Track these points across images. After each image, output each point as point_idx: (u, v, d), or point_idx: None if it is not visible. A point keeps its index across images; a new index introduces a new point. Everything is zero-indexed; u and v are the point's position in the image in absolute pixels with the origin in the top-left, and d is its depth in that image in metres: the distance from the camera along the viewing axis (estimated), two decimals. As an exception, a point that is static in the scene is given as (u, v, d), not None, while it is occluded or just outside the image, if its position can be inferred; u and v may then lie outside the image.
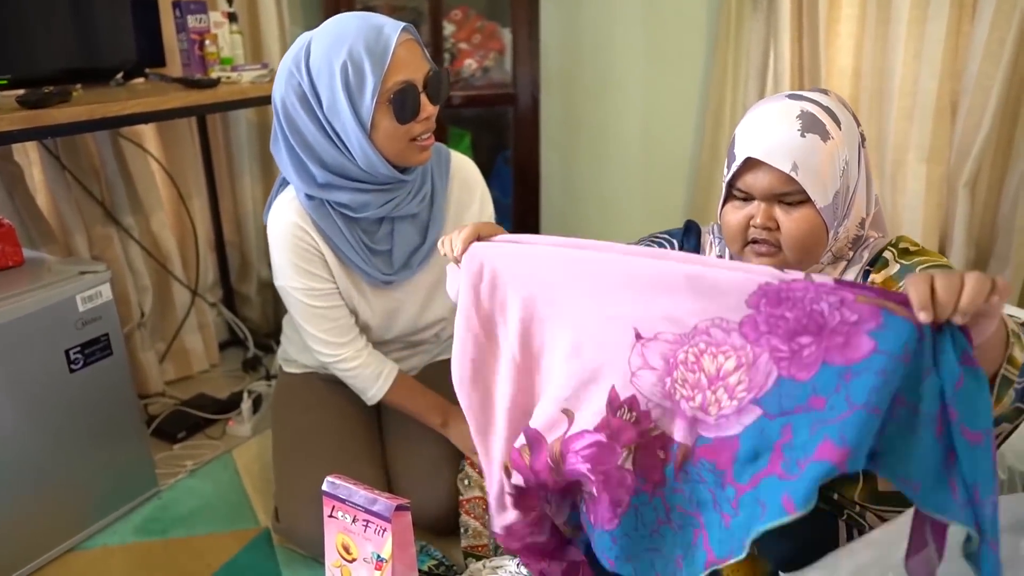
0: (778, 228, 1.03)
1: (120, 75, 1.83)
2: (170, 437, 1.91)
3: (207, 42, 1.90)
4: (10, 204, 1.78)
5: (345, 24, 1.23)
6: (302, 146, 1.28)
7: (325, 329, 1.41)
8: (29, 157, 1.87)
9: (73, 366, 1.50)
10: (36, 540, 1.49)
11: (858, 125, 1.07)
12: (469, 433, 1.42)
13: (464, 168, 1.50)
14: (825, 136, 0.99)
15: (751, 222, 1.04)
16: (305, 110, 1.26)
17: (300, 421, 1.54)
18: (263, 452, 1.86)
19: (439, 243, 1.09)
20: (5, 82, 1.59)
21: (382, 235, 1.41)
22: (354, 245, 1.37)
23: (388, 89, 1.22)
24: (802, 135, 0.98)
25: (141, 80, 1.89)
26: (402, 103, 1.23)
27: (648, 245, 1.26)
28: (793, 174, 0.98)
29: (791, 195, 1.01)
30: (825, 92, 1.06)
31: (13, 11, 1.62)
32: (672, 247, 1.25)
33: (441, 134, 2.45)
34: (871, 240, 1.12)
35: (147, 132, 2.07)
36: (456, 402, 1.50)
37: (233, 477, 1.78)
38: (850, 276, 1.07)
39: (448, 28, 2.43)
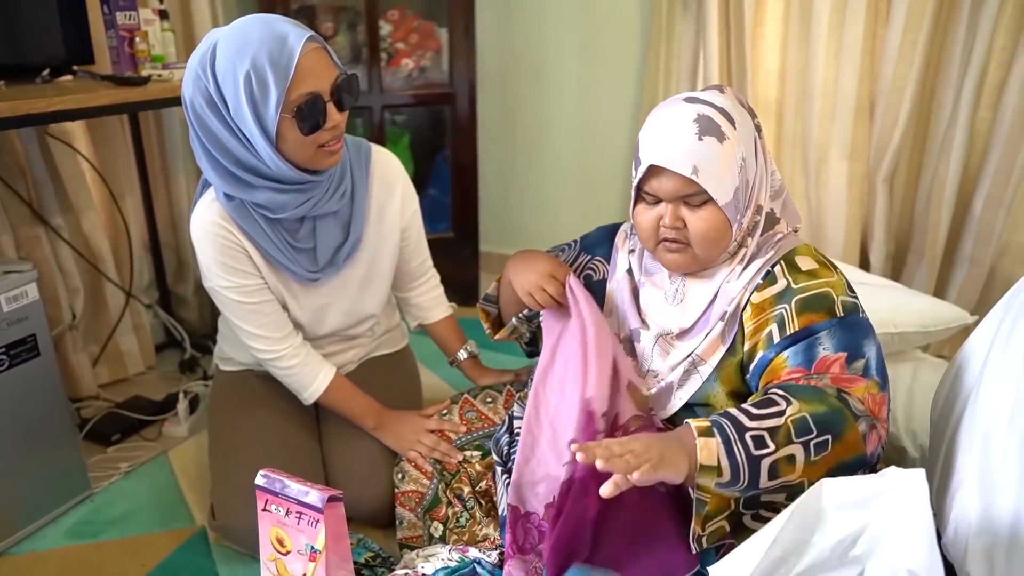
0: (686, 226, 1.09)
1: (46, 72, 1.80)
2: (104, 440, 1.88)
3: (137, 39, 1.88)
4: (-70, 204, 1.74)
5: (249, 31, 1.20)
6: (214, 146, 1.27)
7: (260, 324, 1.42)
8: (-50, 156, 1.83)
9: (-1, 367, 1.47)
10: (-39, 546, 1.47)
11: (754, 118, 1.13)
12: (400, 434, 1.48)
13: (384, 163, 1.50)
14: (721, 137, 1.05)
15: (660, 222, 1.11)
16: (213, 112, 1.24)
17: (236, 418, 1.54)
18: (200, 452, 1.85)
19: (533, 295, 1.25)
20: (-77, 78, 1.55)
21: (304, 233, 1.40)
22: (277, 244, 1.36)
23: (292, 101, 1.21)
24: (699, 138, 1.04)
25: (69, 78, 1.86)
26: (306, 115, 1.22)
27: (555, 254, 1.40)
28: (694, 177, 1.04)
29: (695, 196, 1.07)
30: (721, 90, 1.12)
31: (-69, 6, 1.58)
32: (570, 248, 1.40)
33: (379, 134, 2.47)
34: (778, 235, 1.17)
35: (77, 131, 2.03)
36: (388, 404, 1.54)
37: (169, 478, 1.77)
38: (752, 271, 1.13)
39: (385, 28, 2.44)
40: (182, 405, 1.95)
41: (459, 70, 2.45)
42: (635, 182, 1.12)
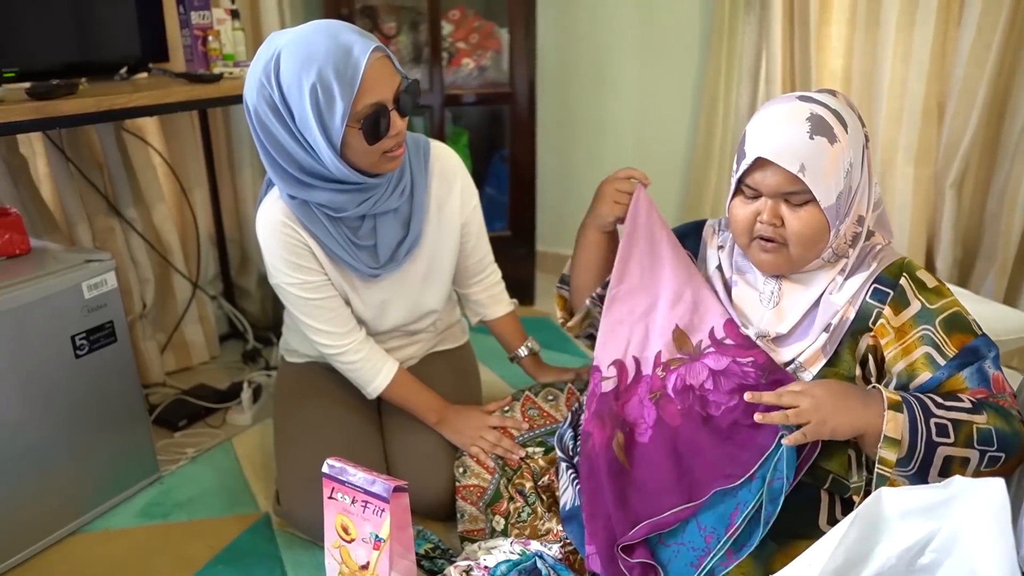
0: (783, 225, 1.08)
1: (124, 69, 1.86)
2: (171, 425, 1.94)
3: (210, 38, 1.94)
4: (15, 194, 1.81)
5: (315, 42, 1.21)
6: (277, 151, 1.30)
7: (324, 320, 1.45)
8: (34, 149, 1.90)
9: (79, 352, 1.53)
10: (40, 522, 1.53)
11: (863, 126, 1.11)
12: (461, 430, 1.49)
13: (443, 159, 1.51)
14: (832, 139, 1.03)
15: (758, 218, 1.09)
16: (278, 120, 1.26)
17: (302, 408, 1.57)
18: (263, 441, 1.90)
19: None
20: (12, 75, 1.62)
21: (365, 231, 1.43)
22: (340, 241, 1.39)
23: (358, 112, 1.23)
24: (810, 137, 1.03)
25: (144, 75, 1.93)
26: (371, 125, 1.25)
27: None
28: (800, 175, 1.03)
29: (797, 194, 1.06)
30: (833, 94, 1.10)
31: (20, 5, 1.65)
32: None
33: (439, 133, 2.49)
34: (877, 246, 1.16)
35: (150, 126, 2.10)
36: (449, 399, 1.56)
37: (233, 464, 1.82)
38: (856, 284, 1.12)
39: (446, 28, 2.47)
40: (246, 394, 2.00)
41: (519, 70, 2.46)
42: (737, 174, 1.11)
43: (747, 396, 1.04)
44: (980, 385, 1.06)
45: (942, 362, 1.07)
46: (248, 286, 2.45)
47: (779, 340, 1.17)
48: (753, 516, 1.04)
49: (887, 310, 1.10)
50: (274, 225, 1.38)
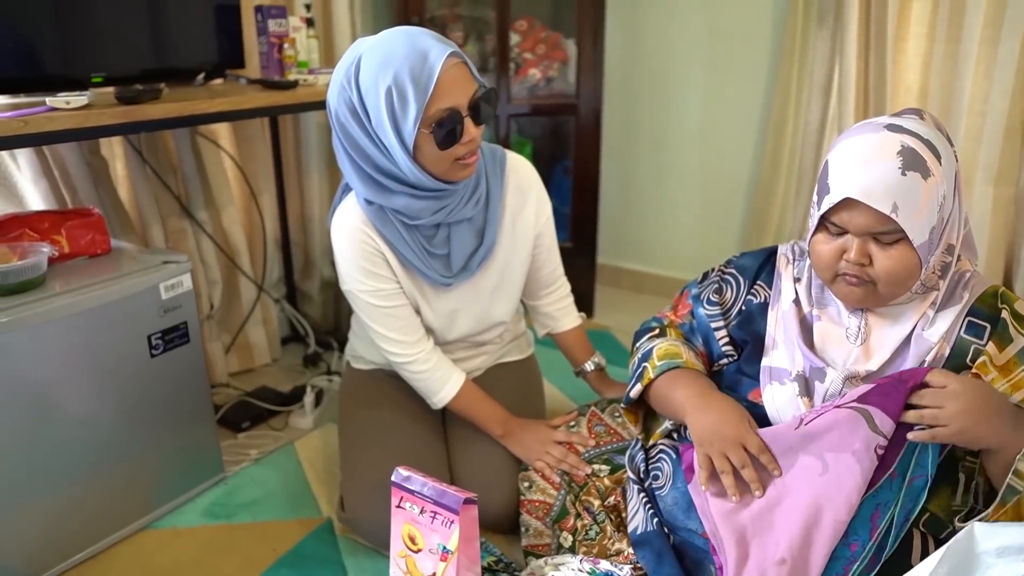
0: (871, 264, 1.02)
1: (201, 75, 1.90)
2: (234, 426, 1.97)
3: (286, 46, 1.97)
4: (95, 195, 1.86)
5: (393, 46, 1.24)
6: (356, 153, 1.33)
7: (394, 328, 1.45)
8: (114, 151, 1.95)
9: (154, 351, 1.56)
10: (110, 518, 1.55)
11: (952, 147, 1.06)
12: (527, 444, 1.48)
13: (519, 170, 1.52)
14: (926, 174, 0.98)
15: (844, 256, 1.03)
16: (356, 122, 1.29)
17: (368, 415, 1.58)
18: (325, 445, 1.91)
19: None
20: (100, 80, 1.67)
21: (440, 240, 1.43)
22: (414, 249, 1.40)
23: (431, 117, 1.24)
24: (903, 173, 0.97)
25: (220, 81, 1.96)
26: (443, 130, 1.25)
27: (717, 285, 1.30)
28: (893, 215, 0.97)
29: (888, 234, 1.00)
30: (920, 116, 1.05)
31: (104, 13, 1.69)
32: (739, 284, 1.28)
33: (504, 143, 2.49)
34: (967, 274, 1.11)
35: (222, 131, 2.14)
36: (512, 410, 1.55)
37: (296, 467, 1.83)
38: (949, 318, 1.07)
39: (513, 38, 2.47)
40: (308, 398, 2.02)
41: (585, 81, 2.45)
42: (821, 211, 1.04)
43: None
44: None
45: None
46: (310, 290, 2.48)
47: (869, 379, 1.10)
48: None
49: (990, 347, 1.05)
50: (351, 231, 1.39)
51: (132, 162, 1.95)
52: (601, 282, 2.84)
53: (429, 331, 1.53)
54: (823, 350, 1.13)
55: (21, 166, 1.76)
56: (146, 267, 1.55)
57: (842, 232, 1.03)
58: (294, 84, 1.85)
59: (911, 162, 0.97)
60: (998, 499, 0.97)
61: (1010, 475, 0.96)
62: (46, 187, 1.78)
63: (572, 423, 1.51)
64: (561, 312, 1.68)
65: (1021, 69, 2.03)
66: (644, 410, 1.37)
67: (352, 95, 1.27)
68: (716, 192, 2.73)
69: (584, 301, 2.69)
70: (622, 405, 1.35)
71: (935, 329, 1.07)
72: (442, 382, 1.50)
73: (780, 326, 1.18)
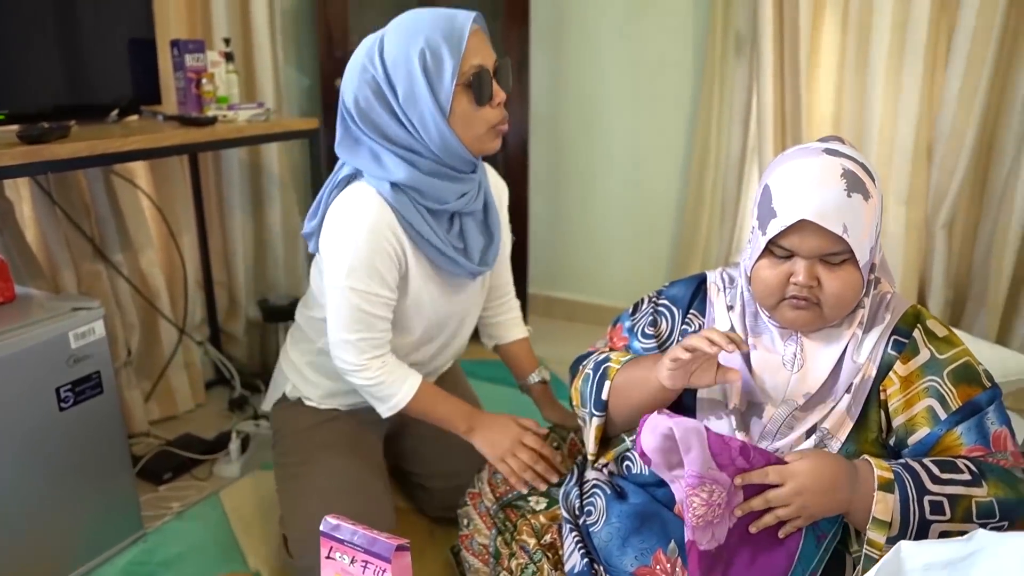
0: (819, 286, 1.02)
1: (115, 112, 1.83)
2: (155, 478, 1.87)
3: (204, 81, 1.91)
4: (-1, 239, 1.76)
5: (418, 17, 1.27)
6: (380, 136, 1.30)
7: (363, 338, 1.36)
8: (20, 193, 1.86)
9: (63, 404, 1.47)
10: (19, 584, 1.45)
11: None
12: (494, 440, 1.41)
13: (497, 179, 1.57)
14: (867, 195, 0.99)
15: (791, 279, 1.03)
16: (380, 102, 1.28)
17: (315, 456, 1.50)
18: (253, 493, 1.83)
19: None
20: (2, 117, 1.58)
21: (455, 233, 1.40)
22: (441, 237, 1.36)
23: (465, 72, 1.26)
24: (848, 195, 0.97)
25: (135, 117, 1.90)
26: (478, 86, 1.27)
27: (652, 317, 1.26)
28: (844, 236, 0.97)
29: (836, 255, 1.00)
30: (841, 142, 1.06)
31: (10, 46, 1.62)
32: (673, 315, 1.24)
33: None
34: (888, 295, 1.12)
35: (139, 170, 2.06)
36: (479, 405, 1.52)
37: (221, 519, 1.74)
38: (872, 338, 1.07)
39: (439, 71, 2.47)
40: (234, 444, 1.93)
41: (512, 113, 2.44)
42: (768, 235, 1.02)
43: (737, 480, 0.98)
44: (977, 442, 1.02)
45: (944, 416, 1.03)
46: (235, 331, 2.39)
47: (805, 406, 1.09)
48: None
49: (898, 362, 1.06)
50: (376, 228, 1.30)
51: (40, 204, 1.85)
52: (534, 312, 2.84)
53: (416, 330, 1.46)
54: (761, 379, 1.12)
55: (-85, 211, 1.66)
56: (53, 314, 1.47)
57: (788, 256, 1.03)
58: (213, 120, 1.79)
59: (854, 184, 0.98)
60: (861, 570, 0.97)
61: (864, 546, 0.96)
62: (-56, 232, 1.68)
63: (547, 437, 1.47)
64: (511, 322, 1.66)
65: (924, 96, 2.13)
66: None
67: (376, 73, 1.26)
68: (644, 220, 2.76)
69: (517, 332, 2.68)
70: (592, 411, 1.23)
71: (863, 350, 1.08)
72: (399, 383, 1.41)
73: (720, 356, 1.13)
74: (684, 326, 1.23)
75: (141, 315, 2.09)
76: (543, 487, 1.38)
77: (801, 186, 0.99)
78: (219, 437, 2.01)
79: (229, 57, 1.99)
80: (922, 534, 0.94)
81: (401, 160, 1.30)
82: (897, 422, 1.05)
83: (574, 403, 1.28)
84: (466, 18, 1.26)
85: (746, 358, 1.13)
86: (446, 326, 1.50)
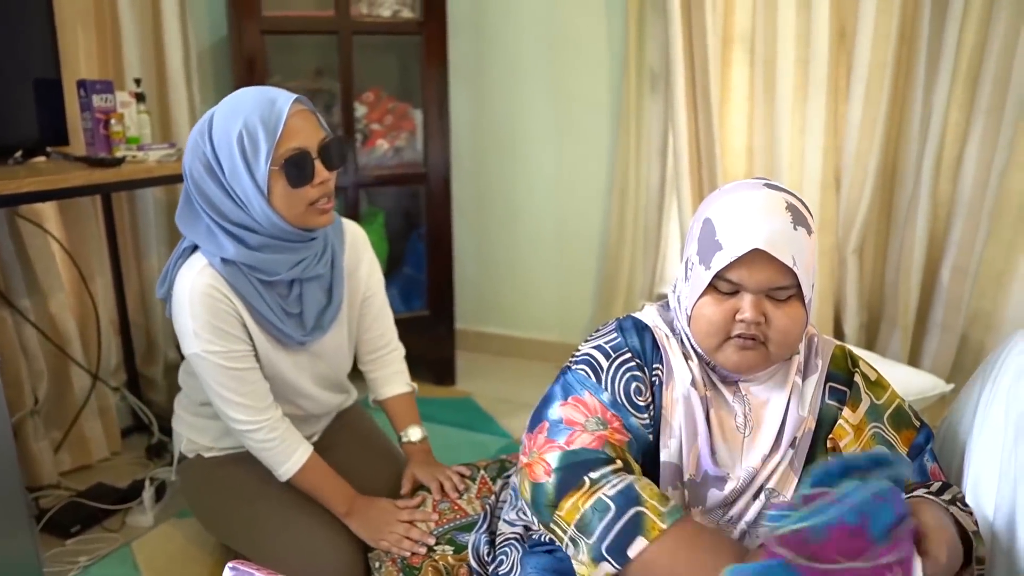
0: (767, 322, 0.97)
1: (19, 153, 1.79)
2: (63, 531, 1.79)
3: (112, 121, 1.88)
4: None
5: (243, 97, 1.31)
6: (212, 210, 1.33)
7: (244, 393, 1.38)
8: (-85, 238, 1.79)
9: (-47, 455, 1.40)
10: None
11: None
12: (371, 523, 1.42)
13: (353, 232, 1.57)
14: (809, 230, 0.98)
15: (737, 316, 0.97)
16: (211, 177, 1.31)
17: (256, 501, 1.48)
18: (168, 542, 1.77)
19: None
20: None
21: (293, 298, 1.43)
22: (271, 307, 1.38)
23: (280, 155, 1.28)
24: (794, 228, 0.95)
25: (42, 159, 1.85)
26: (294, 168, 1.29)
27: (630, 382, 1.05)
28: (795, 268, 0.94)
29: (784, 289, 0.97)
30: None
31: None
32: (646, 370, 1.06)
33: (354, 213, 2.47)
34: (815, 338, 1.09)
35: (48, 212, 2.01)
36: (367, 464, 1.51)
37: (131, 572, 1.67)
38: (810, 387, 1.05)
39: (361, 109, 2.48)
40: (148, 493, 1.87)
41: (433, 150, 2.48)
42: (714, 269, 0.97)
43: None
44: (920, 480, 1.04)
45: None
46: (155, 375, 2.33)
47: (763, 470, 1.03)
48: None
49: (846, 410, 1.05)
50: (204, 289, 1.33)
51: (-63, 249, 1.79)
52: (464, 348, 2.83)
53: (280, 397, 1.48)
54: (719, 442, 1.05)
55: None
56: (-56, 362, 1.41)
57: (734, 291, 0.98)
58: (120, 161, 1.77)
59: (798, 218, 0.96)
60: None
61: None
62: None
63: (420, 504, 1.46)
64: (389, 377, 1.66)
65: (828, 128, 2.22)
66: None
67: (206, 149, 1.30)
68: (569, 253, 2.80)
69: (444, 368, 2.67)
70: (604, 555, 0.92)
71: (804, 401, 1.04)
72: (289, 452, 1.43)
73: (675, 411, 1.04)
74: (652, 379, 1.07)
75: (51, 362, 2.02)
76: (423, 550, 1.36)
77: (749, 217, 0.96)
78: (133, 486, 1.94)
79: (140, 97, 1.97)
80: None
81: (230, 237, 1.33)
82: None
83: (561, 516, 0.97)
84: (286, 100, 1.29)
85: (706, 419, 1.04)
86: (305, 383, 1.51)
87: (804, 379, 1.05)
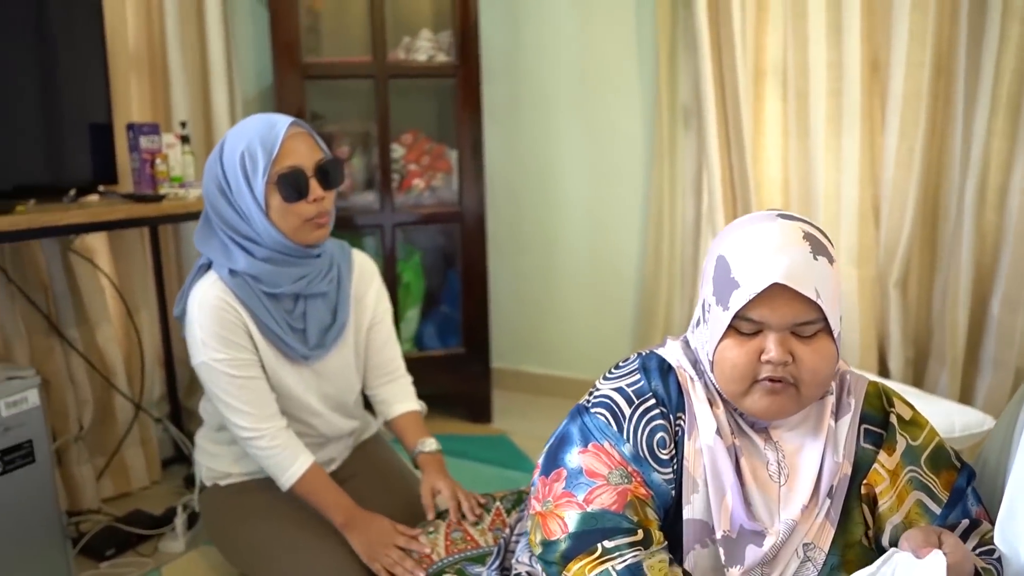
0: (794, 362, 0.91)
1: (73, 191, 1.91)
2: (98, 555, 1.84)
3: (158, 161, 1.99)
4: (-50, 315, 1.80)
5: (248, 123, 1.44)
6: (224, 225, 1.45)
7: (247, 400, 1.44)
8: (-25, 270, 1.91)
9: (-9, 472, 1.47)
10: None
11: None
12: (368, 539, 1.43)
13: (362, 260, 1.65)
14: (831, 259, 0.92)
15: (762, 357, 0.91)
16: (222, 196, 1.44)
17: (269, 528, 1.50)
18: (196, 568, 1.81)
19: None
20: (-45, 196, 1.65)
21: (297, 314, 1.50)
22: (276, 319, 1.46)
23: (275, 172, 1.40)
24: (815, 258, 0.90)
25: (94, 197, 1.97)
26: (288, 185, 1.40)
27: (654, 432, 0.99)
28: (818, 300, 0.89)
29: (811, 324, 0.91)
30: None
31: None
32: (670, 418, 1.00)
33: (391, 251, 2.53)
34: (848, 378, 1.03)
35: (100, 248, 2.13)
36: (385, 494, 1.52)
37: (159, 595, 1.71)
38: (843, 430, 0.98)
39: (399, 151, 2.56)
40: (180, 519, 1.91)
41: (468, 189, 2.53)
42: (732, 309, 0.91)
43: None
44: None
45: (937, 510, 0.97)
46: (196, 408, 2.39)
47: (804, 522, 0.96)
48: None
49: (882, 454, 0.97)
50: (212, 300, 1.42)
51: (-5, 281, 1.91)
52: (500, 387, 2.83)
53: (292, 398, 1.53)
54: (754, 494, 0.97)
55: None
56: (-14, 382, 1.49)
57: (756, 331, 0.92)
58: (161, 198, 1.86)
59: (818, 247, 0.91)
60: None
61: None
62: None
63: (431, 529, 1.44)
64: (397, 396, 1.68)
65: (864, 159, 2.19)
66: None
67: (218, 171, 1.43)
68: (605, 289, 2.79)
69: (480, 406, 2.67)
70: None
71: (839, 444, 0.97)
72: (290, 460, 1.47)
73: (699, 463, 0.98)
74: (676, 428, 1.00)
75: (96, 391, 2.10)
76: None
77: (765, 251, 0.90)
78: (167, 513, 1.99)
79: (185, 139, 2.08)
80: None
81: (241, 249, 1.44)
82: (893, 521, 0.96)
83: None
84: (284, 123, 1.41)
85: (736, 469, 0.97)
86: (311, 400, 1.55)
87: (837, 420, 0.98)
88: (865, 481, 0.97)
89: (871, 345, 2.29)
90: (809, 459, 0.96)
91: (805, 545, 0.96)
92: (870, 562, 0.90)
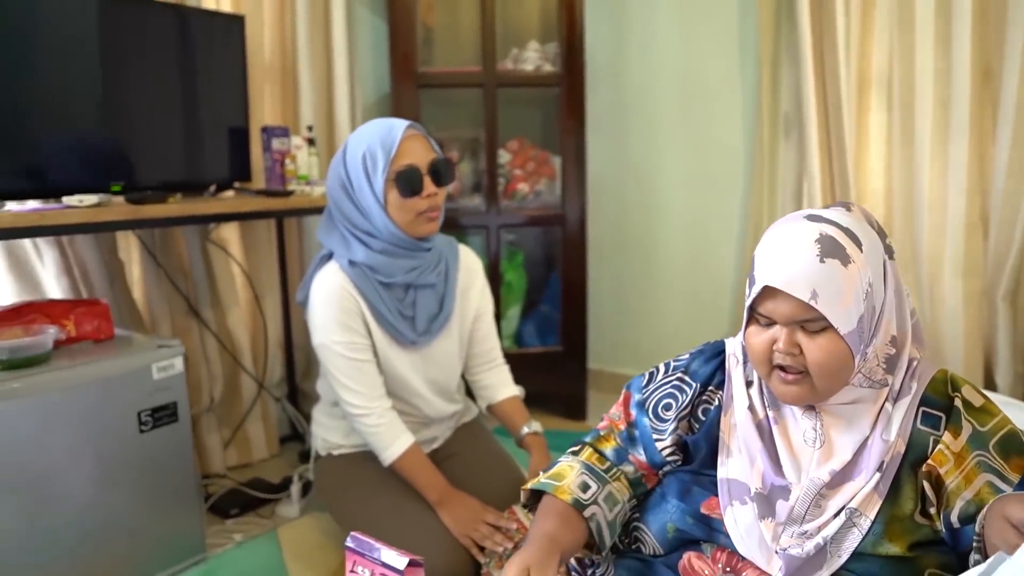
0: (802, 353, 0.99)
1: (212, 187, 2.13)
2: (224, 513, 2.05)
3: (287, 161, 2.20)
4: (110, 292, 2.04)
5: (368, 127, 1.61)
6: (346, 220, 1.60)
7: (360, 381, 1.59)
8: (131, 255, 2.16)
9: (143, 427, 1.68)
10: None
11: (884, 238, 1.07)
12: (458, 516, 1.56)
13: (469, 258, 1.79)
14: (846, 260, 0.97)
15: (774, 347, 1.01)
16: (344, 194, 1.60)
17: (373, 496, 1.65)
18: (309, 531, 1.99)
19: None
20: (119, 188, 1.88)
21: (408, 302, 1.64)
22: (389, 306, 1.60)
23: (393, 170, 1.55)
24: (821, 260, 0.96)
25: (231, 193, 2.19)
26: (404, 181, 1.54)
27: (667, 395, 1.17)
28: (812, 302, 0.96)
29: (813, 322, 0.98)
30: (848, 208, 1.07)
31: (130, 133, 1.94)
32: (691, 390, 1.15)
33: (496, 252, 2.65)
34: (913, 362, 1.07)
35: (232, 238, 2.35)
36: (483, 499, 1.61)
37: (276, 552, 1.88)
38: (901, 410, 1.03)
39: (505, 156, 2.69)
40: (295, 487, 2.09)
41: (570, 194, 2.63)
42: (748, 302, 1.03)
43: None
44: None
45: (1009, 490, 0.98)
46: (312, 390, 2.59)
47: (834, 482, 1.04)
48: None
49: (946, 436, 1.01)
50: (335, 288, 1.59)
51: (146, 265, 2.15)
52: (596, 387, 2.90)
53: (392, 394, 1.66)
54: (784, 457, 1.07)
55: (46, 263, 1.96)
56: (141, 349, 1.71)
57: (771, 322, 1.01)
58: (289, 193, 2.06)
59: (829, 249, 0.97)
60: None
61: None
62: (67, 284, 1.97)
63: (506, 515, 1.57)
64: (500, 382, 1.81)
65: (972, 169, 2.15)
66: None
67: (341, 171, 1.59)
68: (703, 296, 2.83)
69: (576, 404, 2.76)
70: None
71: (893, 426, 1.03)
72: (392, 438, 1.61)
73: (734, 435, 1.11)
74: (704, 404, 1.16)
75: (225, 368, 2.32)
76: (500, 549, 1.48)
77: (772, 252, 1.00)
78: (284, 481, 2.17)
79: (311, 142, 2.28)
80: None
81: (359, 242, 1.60)
82: (964, 497, 1.00)
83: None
84: (400, 126, 1.56)
85: (768, 437, 1.09)
86: (415, 382, 1.68)
87: (896, 402, 1.04)
88: (928, 461, 1.01)
89: (976, 359, 2.24)
90: (850, 434, 1.04)
91: (851, 510, 1.02)
92: (915, 535, 0.97)
